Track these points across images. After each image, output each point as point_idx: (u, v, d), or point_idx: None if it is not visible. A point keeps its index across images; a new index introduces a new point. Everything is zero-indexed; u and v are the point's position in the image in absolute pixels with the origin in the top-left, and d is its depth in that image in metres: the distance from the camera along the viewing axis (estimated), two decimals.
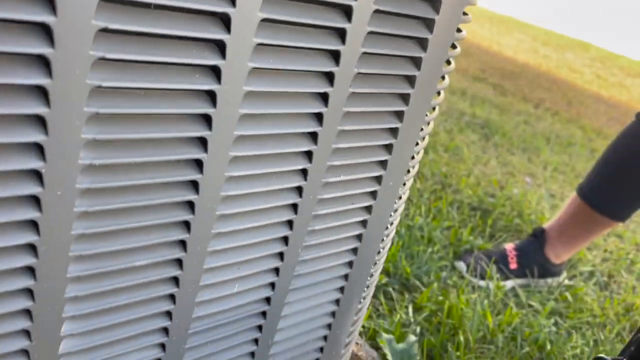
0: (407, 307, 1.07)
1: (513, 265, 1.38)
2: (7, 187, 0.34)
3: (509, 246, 1.42)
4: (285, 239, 0.54)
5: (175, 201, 0.43)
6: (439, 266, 1.30)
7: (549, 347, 1.05)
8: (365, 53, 0.48)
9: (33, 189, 0.35)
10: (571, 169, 2.49)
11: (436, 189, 1.72)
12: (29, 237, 0.36)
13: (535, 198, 1.87)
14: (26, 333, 0.40)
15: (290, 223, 0.53)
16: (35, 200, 0.36)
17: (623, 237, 1.82)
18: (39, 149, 0.34)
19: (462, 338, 0.99)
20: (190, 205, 0.44)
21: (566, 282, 1.41)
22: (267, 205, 0.50)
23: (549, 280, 1.40)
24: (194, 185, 0.43)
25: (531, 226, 1.64)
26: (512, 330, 1.08)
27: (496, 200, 1.74)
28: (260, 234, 0.51)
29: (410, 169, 0.63)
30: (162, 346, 0.50)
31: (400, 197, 0.66)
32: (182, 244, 0.46)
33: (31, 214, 0.36)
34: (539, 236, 1.40)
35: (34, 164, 0.34)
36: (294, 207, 0.52)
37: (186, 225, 0.45)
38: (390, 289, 1.14)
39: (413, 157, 0.63)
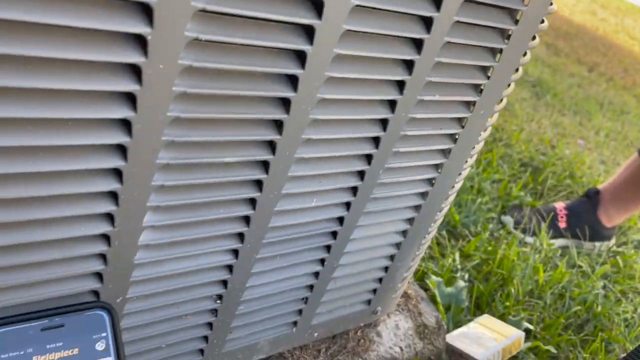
0: (454, 255, 1.05)
1: (562, 225, 1.34)
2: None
3: (560, 205, 1.37)
4: (368, 157, 0.51)
5: (271, 96, 0.40)
6: (487, 218, 1.27)
7: (597, 309, 1.02)
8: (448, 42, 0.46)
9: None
10: (623, 137, 2.39)
11: (487, 141, 1.66)
12: (125, 112, 0.34)
13: (588, 161, 1.79)
14: (109, 217, 0.38)
15: (376, 140, 0.50)
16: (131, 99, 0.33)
17: None
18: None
19: (512, 290, 0.96)
20: (285, 103, 0.41)
21: (614, 248, 1.36)
22: (358, 117, 0.46)
23: (598, 243, 1.35)
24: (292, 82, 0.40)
25: (582, 188, 1.58)
26: (561, 288, 1.05)
27: (547, 159, 1.67)
28: (346, 148, 0.48)
29: (487, 129, 0.60)
30: (236, 253, 0.48)
31: (475, 146, 0.61)
32: (272, 146, 0.43)
33: (126, 112, 0.33)
34: (592, 197, 1.35)
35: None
36: (383, 122, 0.49)
37: (278, 125, 0.42)
38: (437, 235, 1.11)
39: (485, 130, 0.59)
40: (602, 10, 5.98)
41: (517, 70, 0.55)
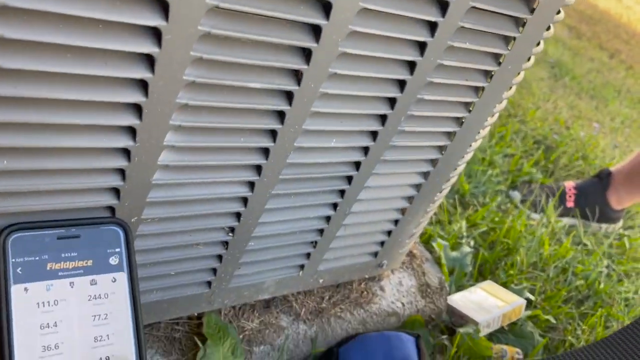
0: (460, 221, 1.05)
1: (570, 203, 1.33)
2: None
3: (569, 184, 1.36)
4: (392, 101, 0.50)
5: (301, 21, 0.39)
6: (496, 190, 1.26)
7: (600, 286, 1.02)
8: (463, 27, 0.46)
9: None
10: (638, 126, 2.36)
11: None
12: (157, 20, 0.33)
13: (601, 144, 1.78)
14: (132, 131, 0.38)
15: (402, 83, 0.49)
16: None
17: None
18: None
19: (518, 259, 0.96)
20: (316, 29, 0.40)
21: (621, 231, 1.36)
22: (387, 55, 0.45)
23: (604, 225, 1.35)
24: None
25: (594, 170, 1.57)
26: (565, 263, 1.05)
27: (561, 139, 1.66)
28: (371, 88, 0.47)
29: (502, 101, 0.59)
30: (252, 185, 0.48)
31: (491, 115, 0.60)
32: (297, 76, 0.42)
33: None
34: (603, 178, 1.34)
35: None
36: (411, 65, 0.48)
37: (306, 54, 0.41)
38: (446, 202, 1.11)
39: (501, 102, 0.59)
40: None
41: (538, 44, 0.54)
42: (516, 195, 1.31)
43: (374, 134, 0.52)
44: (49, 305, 0.37)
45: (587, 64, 2.98)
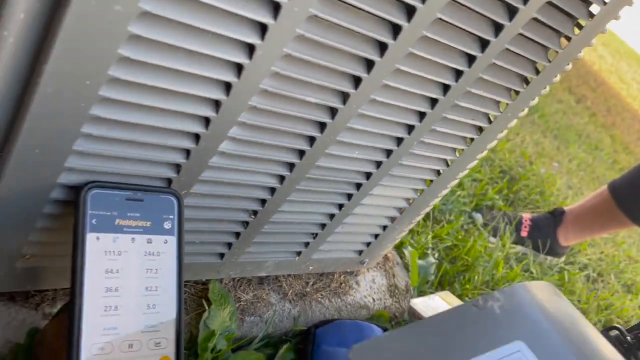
0: (428, 234, 1.15)
1: (524, 233, 1.46)
2: None
3: (526, 215, 1.49)
4: (410, 128, 0.58)
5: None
6: (461, 210, 1.37)
7: None
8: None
9: None
10: (592, 171, 2.55)
11: None
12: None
13: (558, 183, 1.93)
14: (206, 120, 0.45)
15: (422, 115, 0.57)
16: None
17: (620, 247, 1.91)
18: None
19: (475, 276, 1.07)
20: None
21: (562, 264, 1.50)
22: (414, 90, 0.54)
23: (549, 257, 1.48)
24: None
25: (548, 206, 1.71)
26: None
27: (524, 172, 1.80)
28: (398, 114, 0.56)
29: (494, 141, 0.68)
30: (282, 179, 0.56)
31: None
32: (343, 97, 0.50)
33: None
34: (557, 216, 1.47)
35: None
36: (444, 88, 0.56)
37: (355, 82, 0.49)
38: None
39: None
40: (602, 47, 6.15)
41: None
42: (479, 217, 1.43)
43: (388, 152, 0.61)
44: (113, 254, 0.44)
45: (555, 104, 3.16)
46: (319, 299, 0.78)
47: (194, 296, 0.65)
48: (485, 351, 0.42)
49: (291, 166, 0.55)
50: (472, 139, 0.65)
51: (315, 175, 0.58)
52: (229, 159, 0.50)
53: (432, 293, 0.99)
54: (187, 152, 0.47)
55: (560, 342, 0.45)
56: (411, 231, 1.12)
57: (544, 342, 0.44)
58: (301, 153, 0.54)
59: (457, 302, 0.97)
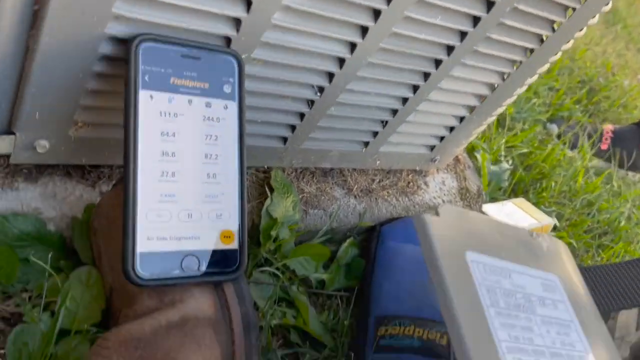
0: (501, 140, 1.06)
1: (604, 146, 1.34)
2: None
3: (607, 127, 1.37)
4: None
5: None
6: (536, 119, 1.27)
7: (620, 224, 1.06)
8: None
9: None
10: None
11: None
12: None
13: None
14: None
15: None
16: None
17: None
18: None
19: (552, 184, 0.99)
20: None
21: None
22: None
23: (631, 173, 1.37)
24: None
25: (632, 119, 1.57)
26: (593, 198, 1.08)
27: (606, 83, 1.64)
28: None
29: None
30: (353, 47, 0.49)
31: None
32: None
33: None
34: None
35: None
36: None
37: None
38: None
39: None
40: None
41: None
42: (554, 128, 1.32)
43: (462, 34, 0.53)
44: (169, 116, 0.40)
45: None
46: (386, 197, 0.73)
47: (255, 184, 0.62)
48: (533, 267, 0.50)
49: (364, 30, 0.48)
50: (543, 39, 0.56)
51: (389, 46, 0.51)
52: (294, 17, 0.44)
53: (505, 200, 0.92)
54: (249, 3, 0.41)
55: (583, 292, 0.55)
56: (483, 136, 1.04)
57: (573, 289, 0.53)
58: (376, 13, 0.47)
59: (532, 209, 0.90)
